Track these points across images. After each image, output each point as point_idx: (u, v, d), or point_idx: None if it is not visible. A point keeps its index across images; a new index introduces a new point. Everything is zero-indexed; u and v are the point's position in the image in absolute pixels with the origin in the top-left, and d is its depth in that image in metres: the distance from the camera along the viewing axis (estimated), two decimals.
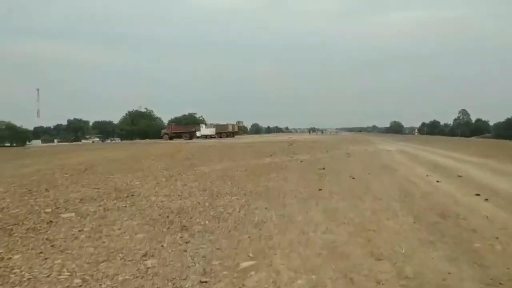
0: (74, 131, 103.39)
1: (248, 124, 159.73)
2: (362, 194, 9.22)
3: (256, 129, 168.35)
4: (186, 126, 71.64)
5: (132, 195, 9.53)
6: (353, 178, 11.91)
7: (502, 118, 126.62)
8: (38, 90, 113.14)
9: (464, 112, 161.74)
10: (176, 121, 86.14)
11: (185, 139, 61.24)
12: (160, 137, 66.43)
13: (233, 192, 9.76)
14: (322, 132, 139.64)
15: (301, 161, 18.07)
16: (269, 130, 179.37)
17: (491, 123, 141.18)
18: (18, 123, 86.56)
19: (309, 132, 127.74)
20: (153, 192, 9.96)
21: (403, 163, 17.83)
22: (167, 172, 14.27)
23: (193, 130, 66.78)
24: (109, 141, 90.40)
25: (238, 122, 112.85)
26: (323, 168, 14.76)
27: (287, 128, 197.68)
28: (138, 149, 33.70)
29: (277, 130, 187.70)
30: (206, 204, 8.38)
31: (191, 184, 11.08)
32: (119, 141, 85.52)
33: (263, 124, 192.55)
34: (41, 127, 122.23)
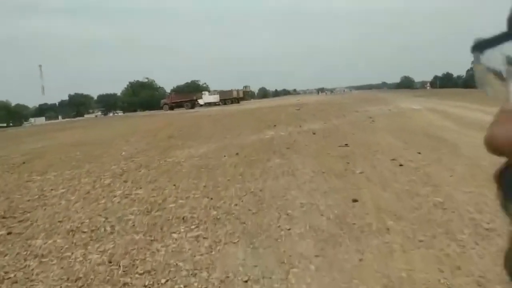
0: (77, 106, 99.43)
1: (255, 88, 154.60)
2: (444, 217, 4.71)
3: (264, 93, 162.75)
4: (186, 94, 66.81)
5: None
6: (400, 165, 7.51)
7: None
8: (40, 66, 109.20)
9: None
10: (178, 90, 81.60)
11: (187, 108, 56.86)
12: (161, 108, 62.14)
13: (196, 217, 5.40)
14: (332, 92, 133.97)
15: (314, 133, 13.65)
16: (277, 93, 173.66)
17: None
18: (24, 101, 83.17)
19: (318, 93, 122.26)
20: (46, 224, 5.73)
21: (448, 127, 13.33)
22: (125, 163, 10.04)
23: (194, 98, 62.04)
24: (111, 114, 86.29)
25: (245, 87, 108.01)
26: (346, 145, 10.36)
27: (295, 90, 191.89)
28: (129, 124, 29.56)
29: (285, 92, 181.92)
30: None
31: (134, 195, 6.77)
32: (121, 113, 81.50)
33: (271, 87, 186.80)
34: (46, 104, 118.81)
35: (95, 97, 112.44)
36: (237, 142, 12.63)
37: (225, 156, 10.14)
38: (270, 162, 8.82)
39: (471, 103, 26.93)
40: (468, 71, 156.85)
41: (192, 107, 58.35)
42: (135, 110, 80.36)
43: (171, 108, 59.12)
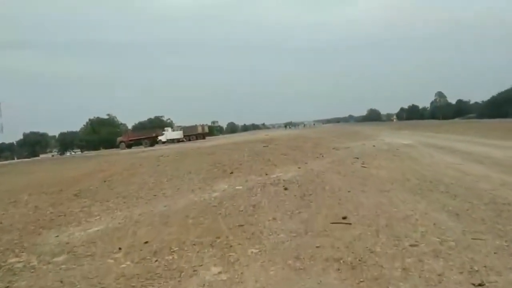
0: (32, 145, 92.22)
1: (224, 123, 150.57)
2: None
3: (232, 128, 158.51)
4: (145, 131, 61.05)
5: None
6: None
7: (479, 99, 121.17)
8: None
9: (440, 94, 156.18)
10: (139, 126, 76.17)
11: (145, 147, 51.31)
12: (117, 146, 56.37)
13: None
14: (304, 126, 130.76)
15: (286, 188, 8.93)
16: (245, 128, 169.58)
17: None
18: None
19: (285, 127, 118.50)
20: None
21: (485, 174, 8.87)
22: None
23: (154, 135, 56.42)
24: (68, 154, 79.55)
25: (213, 122, 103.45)
26: (344, 218, 5.73)
27: (263, 125, 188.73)
28: (58, 168, 24.18)
29: (254, 127, 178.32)
30: None
31: None
32: (79, 153, 75.11)
33: (240, 122, 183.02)
34: (4, 143, 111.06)
35: (57, 135, 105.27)
36: (160, 211, 7.77)
37: (114, 251, 5.24)
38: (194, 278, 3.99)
39: (465, 135, 23.19)
40: (432, 103, 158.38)
41: (152, 145, 52.82)
42: (96, 149, 74.37)
43: (129, 146, 53.43)
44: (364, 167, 11.62)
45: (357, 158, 13.94)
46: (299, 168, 12.34)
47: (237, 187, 9.61)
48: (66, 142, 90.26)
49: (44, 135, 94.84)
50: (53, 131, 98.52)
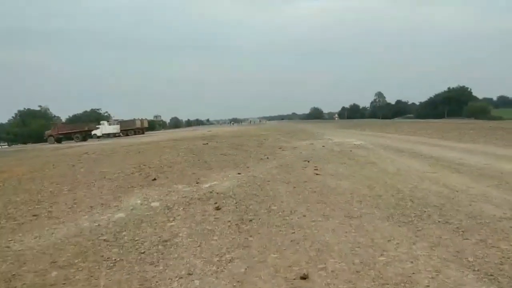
0: None
1: (167, 118, 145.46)
2: None
3: (175, 123, 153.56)
4: (77, 125, 55.92)
5: None
6: None
7: (417, 100, 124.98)
8: None
9: (380, 94, 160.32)
10: (75, 119, 70.67)
11: (76, 141, 46.79)
12: (45, 140, 51.22)
13: None
14: (250, 122, 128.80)
15: (217, 207, 6.50)
16: (189, 124, 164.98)
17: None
18: None
19: (230, 124, 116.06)
20: None
21: (454, 185, 6.88)
22: None
23: (86, 129, 51.74)
24: None
25: (155, 116, 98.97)
26: (305, 278, 3.49)
27: (208, 120, 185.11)
28: None
29: (199, 123, 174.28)
30: None
31: None
32: (6, 146, 68.49)
33: (184, 117, 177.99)
34: None
35: None
36: (16, 250, 5.03)
37: None
38: None
39: (417, 135, 21.81)
40: (372, 102, 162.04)
41: (84, 139, 48.34)
42: (25, 143, 68.10)
43: (58, 140, 48.53)
44: (318, 174, 9.36)
45: (308, 161, 11.74)
46: (239, 174, 9.92)
47: (152, 204, 7.02)
48: None
49: None
50: None
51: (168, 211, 6.44)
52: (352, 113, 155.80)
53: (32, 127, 71.66)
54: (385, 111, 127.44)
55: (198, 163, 12.77)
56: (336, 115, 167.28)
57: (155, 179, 9.80)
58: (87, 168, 13.31)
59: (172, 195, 7.73)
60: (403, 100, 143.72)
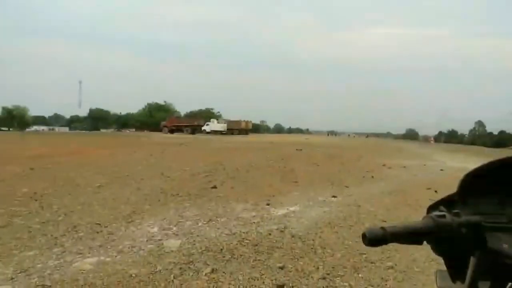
0: (95, 120, 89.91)
1: (271, 124, 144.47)
2: None
3: (278, 129, 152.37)
4: (188, 119, 56.00)
5: None
6: None
7: None
8: (80, 82, 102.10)
9: (480, 123, 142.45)
10: (191, 115, 71.27)
11: (186, 133, 46.13)
12: (160, 130, 51.57)
13: None
14: (348, 136, 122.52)
15: (279, 286, 2.65)
16: (290, 131, 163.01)
17: None
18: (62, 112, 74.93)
19: (327, 135, 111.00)
20: None
21: None
22: None
23: (196, 124, 51.21)
24: (127, 131, 76.69)
25: (262, 121, 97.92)
26: None
27: (307, 130, 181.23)
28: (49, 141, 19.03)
29: (298, 131, 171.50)
30: None
31: None
32: (133, 131, 72.00)
33: (286, 125, 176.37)
34: (77, 116, 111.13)
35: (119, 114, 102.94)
36: None
37: None
38: None
39: None
40: (471, 131, 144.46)
41: (192, 132, 47.62)
42: (143, 130, 71.60)
43: (171, 131, 48.54)
44: None
45: (432, 190, 7.42)
46: (334, 197, 6.04)
47: (167, 243, 3.50)
48: (123, 121, 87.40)
49: (107, 112, 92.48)
50: (117, 110, 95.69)
51: (178, 271, 2.85)
52: (449, 138, 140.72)
53: (155, 118, 74.07)
54: (486, 140, 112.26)
55: (283, 171, 9.12)
56: (432, 139, 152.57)
57: (215, 187, 6.33)
58: (156, 161, 10.35)
59: (217, 225, 4.14)
60: (507, 131, 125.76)
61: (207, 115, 75.91)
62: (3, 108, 66.70)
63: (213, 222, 4.23)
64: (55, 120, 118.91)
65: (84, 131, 65.96)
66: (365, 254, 3.40)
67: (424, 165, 13.74)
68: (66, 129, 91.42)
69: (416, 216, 4.03)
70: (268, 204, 5.23)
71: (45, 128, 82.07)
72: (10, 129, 63.05)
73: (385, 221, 4.60)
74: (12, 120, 65.48)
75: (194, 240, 3.57)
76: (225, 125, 56.23)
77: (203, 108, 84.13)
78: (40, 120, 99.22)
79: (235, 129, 56.45)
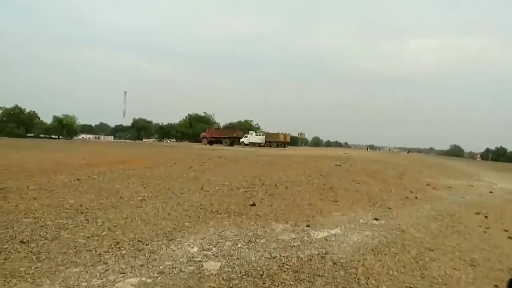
0: (138, 130, 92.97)
1: (310, 137, 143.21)
2: None
3: (316, 142, 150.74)
4: (227, 131, 56.47)
5: None
6: None
7: None
8: (125, 93, 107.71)
9: None
10: (230, 127, 72.01)
11: (225, 145, 46.55)
12: (199, 141, 52.34)
13: None
14: (389, 150, 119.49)
15: None
16: (328, 144, 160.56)
17: None
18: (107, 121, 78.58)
19: (367, 149, 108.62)
20: None
21: None
22: None
23: (234, 135, 51.56)
24: (168, 141, 78.68)
25: (300, 134, 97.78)
26: None
27: (346, 143, 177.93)
28: (93, 150, 19.69)
29: (337, 144, 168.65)
30: None
31: None
32: (174, 141, 73.77)
33: (324, 138, 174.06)
34: (121, 125, 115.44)
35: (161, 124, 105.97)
36: None
37: None
38: None
39: None
40: None
41: (231, 144, 48.01)
42: (182, 140, 73.53)
43: (210, 142, 49.16)
44: None
45: (483, 215, 7.00)
46: (376, 220, 5.82)
47: (207, 265, 3.47)
48: (165, 132, 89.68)
49: (149, 122, 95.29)
50: (158, 120, 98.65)
51: None
52: (496, 156, 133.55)
53: (195, 129, 75.49)
54: None
55: (322, 189, 8.94)
56: (478, 156, 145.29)
57: (254, 205, 6.28)
58: (196, 174, 10.44)
59: (256, 247, 4.07)
60: None
61: (246, 127, 76.64)
62: (54, 117, 70.23)
63: (253, 244, 4.17)
64: (101, 129, 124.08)
65: (127, 141, 68.19)
66: (412, 287, 3.21)
67: (471, 185, 13.07)
68: (111, 138, 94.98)
69: (466, 246, 3.80)
70: (308, 226, 5.11)
71: (91, 136, 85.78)
72: (60, 137, 66.28)
73: (432, 250, 4.35)
74: (62, 128, 68.91)
75: (233, 263, 3.53)
76: (264, 137, 56.34)
77: (242, 119, 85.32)
78: (87, 129, 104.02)
79: (273, 141, 56.37)
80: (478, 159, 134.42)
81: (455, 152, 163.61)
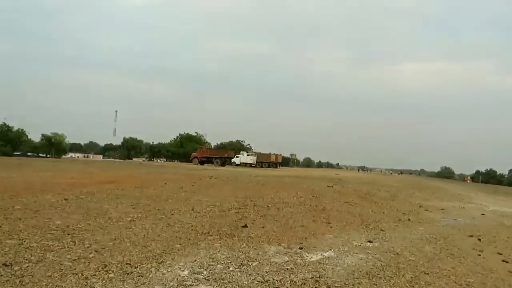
0: (128, 149, 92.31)
1: (301, 158, 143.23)
2: None
3: (307, 163, 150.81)
4: (218, 151, 56.52)
5: None
6: None
7: None
8: (116, 111, 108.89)
9: None
10: (221, 147, 71.88)
11: (216, 165, 46.35)
12: (190, 161, 52.14)
13: None
14: (381, 171, 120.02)
15: None
16: (320, 165, 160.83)
17: None
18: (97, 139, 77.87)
19: (358, 170, 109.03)
20: None
21: None
22: None
23: (226, 155, 51.51)
24: (159, 161, 78.18)
25: (291, 154, 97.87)
26: None
27: (337, 164, 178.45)
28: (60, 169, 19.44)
29: (328, 165, 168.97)
30: None
31: None
32: (164, 161, 73.35)
33: (316, 159, 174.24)
34: (111, 144, 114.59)
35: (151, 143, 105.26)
36: None
37: None
38: None
39: None
40: (511, 170, 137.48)
41: (223, 164, 47.84)
42: (173, 160, 73.38)
43: (201, 162, 48.95)
44: None
45: (476, 237, 6.98)
46: (369, 242, 5.77)
47: None
48: (155, 151, 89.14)
49: (140, 142, 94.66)
50: (149, 139, 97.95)
51: None
52: (487, 178, 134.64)
53: (186, 149, 75.19)
54: None
55: (314, 210, 8.88)
56: (469, 178, 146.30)
57: (245, 226, 6.19)
58: (187, 195, 10.32)
59: (248, 271, 3.98)
60: None
61: (238, 147, 76.59)
62: (43, 135, 69.39)
63: (245, 267, 4.08)
64: (90, 147, 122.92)
65: (117, 160, 67.59)
66: None
67: (464, 207, 13.11)
68: (100, 157, 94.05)
69: (461, 270, 3.74)
70: (301, 248, 5.03)
71: (79, 155, 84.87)
72: (48, 155, 65.39)
73: (428, 274, 4.29)
74: (51, 147, 68.06)
75: (225, 287, 3.43)
76: (255, 157, 56.35)
77: (234, 140, 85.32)
78: (76, 147, 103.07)
79: (264, 162, 56.31)
80: (468, 181, 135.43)
81: (446, 174, 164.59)
